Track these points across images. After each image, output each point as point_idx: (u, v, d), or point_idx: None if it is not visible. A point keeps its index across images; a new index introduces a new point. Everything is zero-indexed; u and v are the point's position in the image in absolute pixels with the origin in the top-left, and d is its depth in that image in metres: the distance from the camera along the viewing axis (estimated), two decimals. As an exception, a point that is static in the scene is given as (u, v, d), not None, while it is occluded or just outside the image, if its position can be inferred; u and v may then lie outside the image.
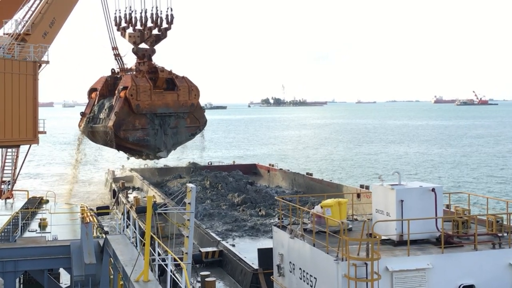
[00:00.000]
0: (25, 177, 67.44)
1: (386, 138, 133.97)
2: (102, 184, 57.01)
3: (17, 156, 31.05)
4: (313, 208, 18.37)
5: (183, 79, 46.18)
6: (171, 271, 14.12)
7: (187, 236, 16.40)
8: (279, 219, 18.55)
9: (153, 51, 46.27)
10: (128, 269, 15.15)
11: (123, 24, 46.45)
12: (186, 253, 16.41)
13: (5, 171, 31.00)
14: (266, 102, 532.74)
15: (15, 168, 31.13)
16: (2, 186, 29.99)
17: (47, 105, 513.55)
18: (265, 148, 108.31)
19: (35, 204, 41.34)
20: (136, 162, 52.29)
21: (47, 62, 30.24)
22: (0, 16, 32.57)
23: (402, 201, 16.16)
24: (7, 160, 31.36)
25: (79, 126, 45.60)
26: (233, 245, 27.42)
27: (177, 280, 15.18)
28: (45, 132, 32.95)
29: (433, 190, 16.57)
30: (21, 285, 24.86)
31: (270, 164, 53.90)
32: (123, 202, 36.74)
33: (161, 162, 53.38)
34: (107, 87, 45.64)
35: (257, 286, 19.80)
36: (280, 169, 50.65)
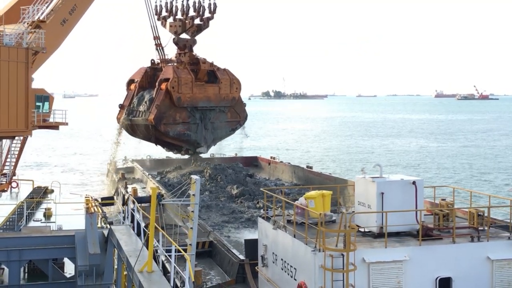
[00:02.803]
0: (30, 167, 67.65)
1: (386, 132, 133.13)
2: (104, 174, 56.96)
3: (21, 148, 30.21)
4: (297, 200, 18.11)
5: (225, 72, 44.02)
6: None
7: (191, 228, 16.23)
8: (263, 210, 18.35)
9: (194, 42, 44.28)
10: (132, 260, 14.96)
11: (164, 14, 44.60)
12: (190, 244, 16.22)
13: (7, 163, 30.26)
14: (266, 94, 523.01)
15: (17, 160, 30.27)
16: (3, 178, 29.21)
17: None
18: (268, 141, 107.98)
19: (40, 193, 41.44)
20: (138, 153, 51.72)
21: (42, 49, 28.43)
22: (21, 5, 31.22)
23: (382, 193, 15.90)
24: (9, 152, 30.44)
25: (118, 118, 43.65)
26: (228, 236, 27.27)
27: (179, 271, 14.91)
28: (66, 124, 31.74)
29: (413, 183, 16.28)
30: (26, 274, 24.81)
31: (271, 157, 53.43)
32: (121, 192, 36.58)
33: (163, 154, 52.97)
34: (146, 79, 43.58)
35: (243, 276, 19.69)
36: (281, 161, 50.27)
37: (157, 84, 41.59)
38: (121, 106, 43.51)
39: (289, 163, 49.25)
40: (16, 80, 26.80)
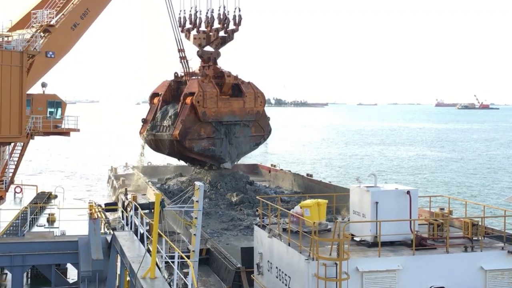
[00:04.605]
0: (34, 172, 67.66)
1: (385, 140, 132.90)
2: (105, 180, 56.91)
3: (20, 154, 29.68)
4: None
5: (249, 85, 43.07)
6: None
7: (194, 234, 16.17)
8: (259, 218, 18.32)
9: (219, 54, 43.33)
10: (135, 266, 14.87)
11: (188, 26, 43.74)
12: (193, 251, 16.13)
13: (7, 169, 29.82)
14: (267, 102, 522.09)
15: (16, 166, 29.73)
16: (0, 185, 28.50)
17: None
18: (269, 149, 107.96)
19: (43, 199, 41.43)
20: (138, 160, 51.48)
21: (38, 53, 27.56)
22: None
23: (377, 203, 15.87)
24: (11, 157, 29.90)
25: (141, 133, 42.37)
26: (227, 244, 27.13)
27: (183, 278, 14.86)
28: (78, 130, 31.14)
29: (408, 193, 16.25)
30: (29, 280, 24.75)
31: (272, 165, 53.40)
32: (121, 199, 36.52)
33: (163, 160, 52.89)
34: (170, 92, 42.43)
35: (239, 284, 19.61)
36: (281, 169, 50.21)
37: (181, 98, 40.45)
38: (144, 121, 42.30)
39: (289, 171, 49.15)
40: (9, 85, 25.92)
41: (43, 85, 30.52)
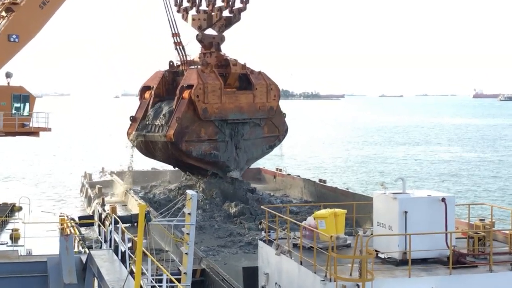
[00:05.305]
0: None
1: (413, 139, 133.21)
2: (77, 189, 57.13)
3: None
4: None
5: (260, 75, 41.96)
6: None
7: (186, 253, 16.25)
8: (265, 232, 18.40)
9: (222, 39, 42.32)
10: None
11: (185, 4, 43.01)
12: (184, 272, 16.20)
13: None
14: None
15: None
16: None
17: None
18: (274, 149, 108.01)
19: (6, 212, 41.73)
20: (118, 164, 51.52)
21: None
22: None
23: (406, 212, 15.94)
24: None
25: (128, 134, 41.52)
26: (225, 264, 27.25)
27: None
28: (49, 129, 31.25)
29: (443, 200, 16.29)
30: (-12, 308, 24.82)
31: (277, 169, 53.57)
32: (98, 211, 36.62)
33: (147, 165, 52.95)
34: (164, 85, 41.67)
35: (240, 311, 19.72)
36: (288, 174, 50.40)
37: (177, 92, 39.56)
38: (133, 119, 41.45)
39: (298, 176, 49.33)
40: None
41: (8, 75, 30.55)
